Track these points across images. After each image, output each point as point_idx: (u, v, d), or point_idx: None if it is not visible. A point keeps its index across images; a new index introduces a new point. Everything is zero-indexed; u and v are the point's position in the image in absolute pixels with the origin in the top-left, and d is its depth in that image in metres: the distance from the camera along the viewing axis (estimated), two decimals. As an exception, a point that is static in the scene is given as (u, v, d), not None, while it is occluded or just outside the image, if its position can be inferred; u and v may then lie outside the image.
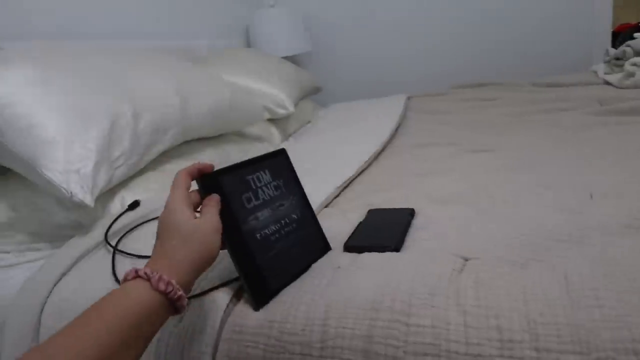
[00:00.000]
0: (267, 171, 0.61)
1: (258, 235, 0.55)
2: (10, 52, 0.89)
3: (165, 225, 0.50)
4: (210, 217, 0.50)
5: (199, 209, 0.54)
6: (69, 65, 0.89)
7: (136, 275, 0.45)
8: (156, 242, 0.50)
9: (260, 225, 0.56)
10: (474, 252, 0.56)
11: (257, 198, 0.57)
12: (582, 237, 0.56)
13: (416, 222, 0.70)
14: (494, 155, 1.01)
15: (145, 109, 0.91)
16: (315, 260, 0.61)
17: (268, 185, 0.60)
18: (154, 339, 0.56)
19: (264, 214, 0.57)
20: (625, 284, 0.44)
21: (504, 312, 0.44)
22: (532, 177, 0.82)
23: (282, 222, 0.59)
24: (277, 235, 0.57)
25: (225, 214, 0.52)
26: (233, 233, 0.53)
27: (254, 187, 0.58)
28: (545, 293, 0.45)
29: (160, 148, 0.95)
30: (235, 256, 0.53)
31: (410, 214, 0.72)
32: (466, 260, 0.55)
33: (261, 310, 0.53)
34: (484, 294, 0.47)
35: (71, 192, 0.71)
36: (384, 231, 0.67)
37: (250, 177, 0.58)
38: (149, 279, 0.44)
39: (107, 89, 0.88)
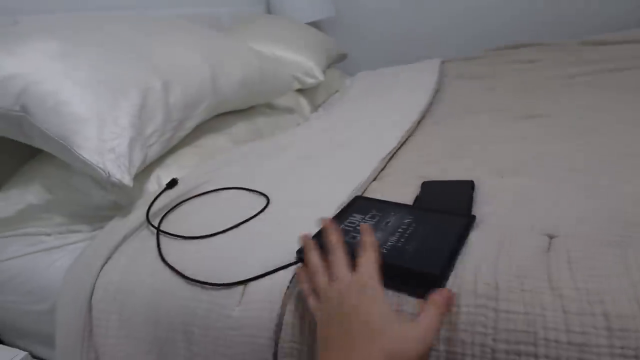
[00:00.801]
0: (354, 214, 0.61)
1: (384, 250, 0.51)
2: (28, 25, 0.85)
3: (344, 327, 0.37)
4: (425, 331, 0.37)
5: None
6: (91, 38, 0.84)
7: None
8: (324, 327, 0.39)
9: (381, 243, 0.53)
10: (559, 228, 0.51)
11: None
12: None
13: (478, 195, 0.65)
14: (551, 120, 0.94)
15: (175, 81, 0.87)
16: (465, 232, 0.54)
17: (363, 221, 0.59)
18: (208, 326, 0.53)
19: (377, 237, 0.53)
20: None
21: (609, 296, 0.40)
22: (600, 142, 0.75)
23: (399, 230, 0.55)
24: (402, 240, 0.53)
25: None
26: None
27: (352, 229, 0.57)
28: (653, 274, 0.40)
29: (192, 123, 0.91)
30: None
31: (471, 186, 0.67)
32: (551, 237, 0.50)
33: None
34: (582, 276, 0.42)
35: (108, 173, 0.68)
36: (446, 205, 0.62)
37: (343, 225, 0.59)
38: None
39: (133, 61, 0.84)
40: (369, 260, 0.42)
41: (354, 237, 0.54)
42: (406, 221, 0.57)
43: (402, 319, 0.39)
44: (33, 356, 0.77)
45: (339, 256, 0.45)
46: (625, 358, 0.36)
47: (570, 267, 0.43)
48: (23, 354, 0.68)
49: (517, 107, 1.07)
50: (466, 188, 0.66)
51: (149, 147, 0.77)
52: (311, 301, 0.46)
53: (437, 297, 0.39)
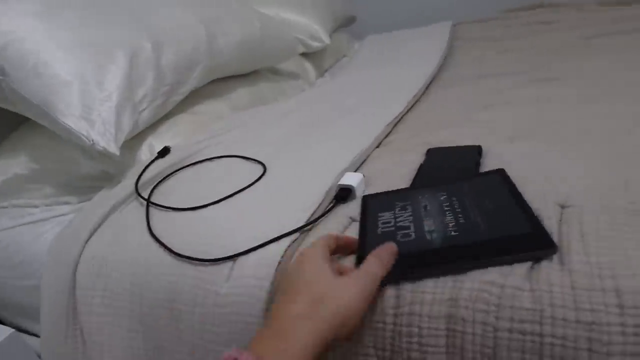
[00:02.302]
0: (381, 214, 0.54)
1: (455, 232, 0.46)
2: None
3: (289, 281, 0.40)
4: (363, 276, 0.39)
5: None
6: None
7: None
8: (273, 304, 0.40)
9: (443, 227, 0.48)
10: (571, 197, 0.47)
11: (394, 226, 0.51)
12: None
13: (486, 161, 0.62)
14: (564, 84, 0.89)
15: (167, 42, 0.83)
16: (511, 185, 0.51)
17: (397, 216, 0.52)
18: (191, 307, 0.52)
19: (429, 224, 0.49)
20: None
21: (622, 270, 0.37)
22: (615, 107, 0.70)
23: (447, 208, 0.50)
24: (462, 216, 0.48)
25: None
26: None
27: (393, 227, 0.50)
28: (674, 247, 0.37)
29: (188, 87, 0.88)
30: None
31: (477, 152, 0.64)
32: (562, 207, 0.46)
33: None
34: (594, 249, 0.39)
35: (93, 140, 0.66)
36: (451, 172, 0.59)
37: (380, 229, 0.51)
38: None
39: (120, 20, 0.80)
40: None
41: (406, 234, 0.47)
42: (443, 198, 0.52)
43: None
44: (23, 331, 0.78)
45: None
46: (639, 337, 0.34)
47: (583, 240, 0.40)
48: (9, 330, 0.67)
49: (530, 70, 1.02)
50: (473, 154, 0.63)
51: (139, 113, 0.75)
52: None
53: (379, 250, 0.42)
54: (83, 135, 0.65)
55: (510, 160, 0.60)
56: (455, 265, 0.41)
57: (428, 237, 0.46)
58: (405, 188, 0.59)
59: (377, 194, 0.59)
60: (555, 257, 0.39)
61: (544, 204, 0.47)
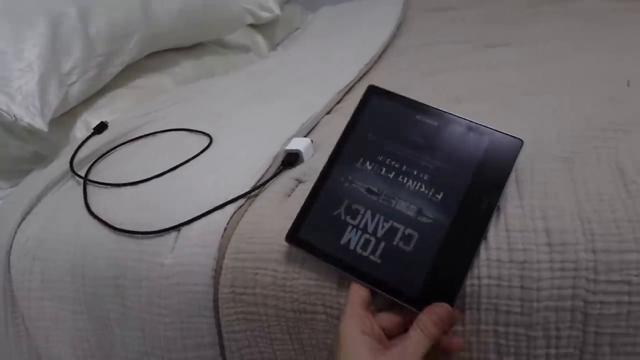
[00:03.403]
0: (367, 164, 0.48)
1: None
2: None
3: None
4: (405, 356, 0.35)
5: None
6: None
7: None
8: None
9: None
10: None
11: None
12: (628, 125, 0.51)
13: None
14: (514, 48, 0.95)
15: (96, 8, 0.81)
16: None
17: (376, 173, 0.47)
18: (141, 277, 0.52)
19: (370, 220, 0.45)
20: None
21: (552, 212, 0.40)
22: (559, 68, 0.76)
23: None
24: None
25: None
26: None
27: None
28: (598, 188, 0.41)
29: (124, 58, 0.86)
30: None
31: (425, 114, 0.66)
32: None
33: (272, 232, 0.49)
34: (528, 194, 0.43)
35: (15, 116, 0.63)
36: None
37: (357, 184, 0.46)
38: None
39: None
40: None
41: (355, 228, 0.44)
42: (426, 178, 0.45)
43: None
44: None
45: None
46: (565, 271, 0.37)
47: (518, 186, 0.44)
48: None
49: (480, 37, 1.08)
50: (421, 116, 0.65)
51: (69, 87, 0.73)
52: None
53: (426, 317, 0.36)
54: (3, 110, 0.63)
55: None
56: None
57: (368, 250, 0.42)
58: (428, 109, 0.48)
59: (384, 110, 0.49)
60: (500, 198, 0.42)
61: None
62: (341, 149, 0.47)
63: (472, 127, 0.46)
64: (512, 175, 0.46)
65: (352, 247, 0.42)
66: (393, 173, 0.45)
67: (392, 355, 0.35)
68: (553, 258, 0.38)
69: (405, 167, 0.45)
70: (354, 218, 0.44)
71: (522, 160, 0.47)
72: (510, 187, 0.44)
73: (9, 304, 0.60)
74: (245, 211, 0.54)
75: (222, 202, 0.54)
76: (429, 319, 0.36)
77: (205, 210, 0.53)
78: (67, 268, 0.57)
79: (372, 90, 0.50)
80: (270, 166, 0.60)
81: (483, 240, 0.40)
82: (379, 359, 0.35)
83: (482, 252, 0.40)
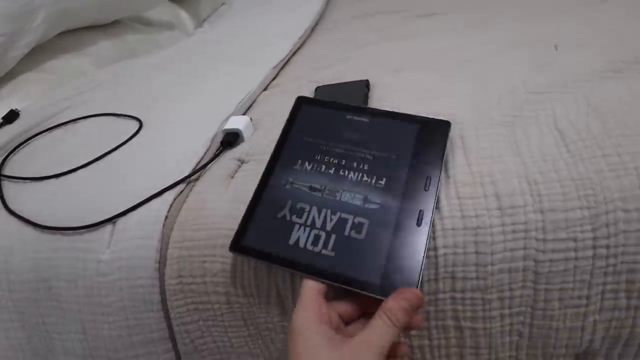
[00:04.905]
0: (305, 164, 0.45)
1: None
2: None
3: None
4: (364, 349, 0.31)
5: None
6: None
7: None
8: None
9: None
10: (453, 116, 0.49)
11: None
12: (561, 87, 0.51)
13: (374, 93, 0.63)
14: (446, 18, 0.94)
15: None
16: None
17: (317, 171, 0.44)
18: (76, 276, 0.46)
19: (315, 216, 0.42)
20: (624, 130, 0.41)
21: (500, 176, 0.39)
22: (489, 35, 0.75)
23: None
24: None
25: None
26: None
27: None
28: (541, 149, 0.41)
29: (31, 38, 0.74)
30: None
31: (365, 85, 0.64)
32: (446, 126, 0.48)
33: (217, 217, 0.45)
34: (476, 160, 0.41)
35: None
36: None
37: (297, 182, 0.44)
38: None
39: None
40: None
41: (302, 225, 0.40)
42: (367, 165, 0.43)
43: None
44: None
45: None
46: (516, 233, 0.37)
47: (465, 152, 0.43)
48: None
49: (413, 7, 1.06)
50: (361, 87, 0.63)
51: (-32, 72, 0.62)
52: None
53: (394, 304, 0.32)
54: None
55: (396, 90, 0.61)
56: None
57: (320, 245, 0.39)
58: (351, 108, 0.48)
59: (311, 113, 0.49)
60: (442, 171, 0.41)
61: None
62: (278, 155, 0.45)
63: (401, 117, 0.46)
64: (458, 143, 0.44)
65: (301, 245, 0.39)
66: (333, 169, 0.43)
67: (354, 345, 0.31)
68: (504, 221, 0.37)
69: (344, 161, 0.43)
70: (300, 217, 0.40)
71: (467, 127, 0.47)
72: (458, 154, 0.43)
73: None
74: (186, 197, 0.49)
75: (159, 189, 0.48)
76: (398, 306, 0.32)
77: (142, 200, 0.47)
78: (-12, 275, 0.49)
79: (302, 100, 0.50)
80: (209, 148, 0.55)
81: (436, 210, 0.39)
82: (339, 350, 0.31)
83: (437, 222, 0.38)
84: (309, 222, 0.40)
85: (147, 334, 0.47)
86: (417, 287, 0.34)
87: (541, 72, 0.55)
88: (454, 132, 0.46)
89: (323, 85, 0.67)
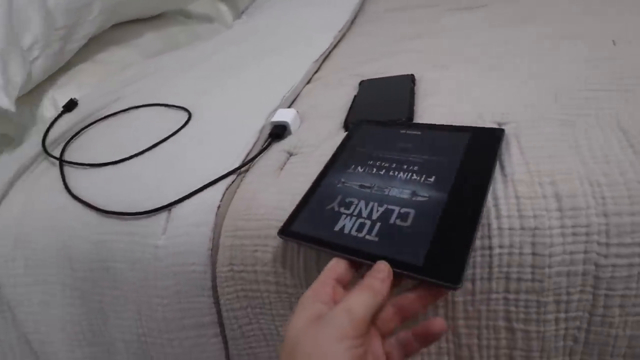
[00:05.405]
0: (357, 167, 0.46)
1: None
2: None
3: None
4: (339, 316, 0.30)
5: None
6: None
7: None
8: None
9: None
10: (507, 115, 0.48)
11: None
12: (622, 85, 0.49)
13: (420, 88, 0.61)
14: (489, 10, 0.90)
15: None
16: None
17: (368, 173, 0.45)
18: (133, 260, 0.48)
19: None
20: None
21: (560, 177, 0.38)
22: (540, 29, 0.72)
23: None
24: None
25: None
26: None
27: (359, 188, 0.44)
28: (603, 150, 0.39)
29: (87, 31, 0.76)
30: None
31: (411, 80, 0.62)
32: (499, 125, 0.47)
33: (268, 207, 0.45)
34: (533, 159, 0.40)
35: (-22, 96, 0.55)
36: (386, 102, 0.57)
37: (351, 183, 0.44)
38: None
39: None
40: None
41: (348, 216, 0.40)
42: (416, 166, 0.43)
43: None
44: None
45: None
46: (577, 236, 0.35)
47: (522, 152, 0.41)
48: None
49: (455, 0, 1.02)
50: (406, 82, 0.62)
51: (31, 63, 0.64)
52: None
53: (369, 275, 0.32)
54: (-37, 89, 0.55)
55: (444, 86, 0.59)
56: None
57: (364, 232, 0.38)
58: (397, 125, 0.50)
59: (367, 132, 0.50)
60: (498, 171, 0.40)
61: (482, 124, 0.47)
62: (333, 163, 0.47)
63: (453, 128, 0.46)
64: (514, 142, 0.43)
65: (346, 231, 0.38)
66: (384, 170, 0.43)
67: (333, 316, 0.29)
68: (564, 223, 0.36)
69: (395, 164, 0.44)
70: (347, 208, 0.40)
71: (522, 126, 0.45)
72: (514, 154, 0.41)
73: (-9, 294, 0.54)
74: (237, 187, 0.49)
75: (212, 179, 0.48)
76: (372, 276, 0.32)
77: (196, 189, 0.48)
78: (52, 253, 0.51)
79: (358, 123, 0.52)
80: (257, 140, 0.55)
81: (493, 209, 0.37)
82: (316, 324, 0.29)
83: (493, 221, 0.37)
84: (355, 213, 0.40)
85: (198, 318, 0.48)
86: (463, 273, 0.32)
87: (599, 68, 0.52)
88: (508, 132, 0.44)
89: (368, 79, 0.66)
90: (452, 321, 0.40)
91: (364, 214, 0.39)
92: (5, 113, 0.57)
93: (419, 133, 0.47)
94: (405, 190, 0.40)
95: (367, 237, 0.37)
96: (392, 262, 0.34)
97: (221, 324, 0.49)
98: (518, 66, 0.59)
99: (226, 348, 0.50)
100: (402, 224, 0.37)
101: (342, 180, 0.44)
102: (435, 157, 0.43)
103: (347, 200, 0.41)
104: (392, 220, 0.38)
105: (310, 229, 0.40)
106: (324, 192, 0.43)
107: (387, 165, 0.44)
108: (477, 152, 0.42)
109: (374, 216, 0.39)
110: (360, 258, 0.35)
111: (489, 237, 0.37)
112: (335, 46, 0.91)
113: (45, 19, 0.66)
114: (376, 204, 0.40)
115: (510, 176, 0.39)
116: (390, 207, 0.39)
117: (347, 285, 0.35)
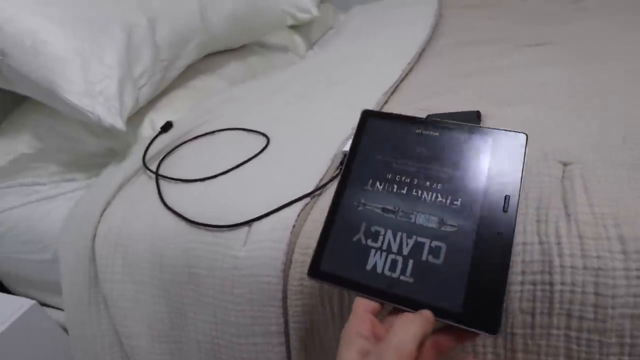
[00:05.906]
0: (376, 184, 0.45)
1: None
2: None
3: None
4: (385, 353, 0.31)
5: None
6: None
7: None
8: None
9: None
10: (572, 155, 0.48)
11: None
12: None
13: (485, 125, 0.62)
14: (555, 47, 0.89)
15: (162, 17, 0.81)
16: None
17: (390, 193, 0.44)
18: (215, 267, 0.53)
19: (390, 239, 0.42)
20: None
21: (624, 219, 0.38)
22: (608, 68, 0.71)
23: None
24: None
25: None
26: None
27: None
28: (672, 196, 0.39)
29: (183, 62, 0.86)
30: None
31: (476, 116, 0.64)
32: (565, 165, 0.47)
33: None
34: (598, 201, 0.40)
35: (99, 116, 0.64)
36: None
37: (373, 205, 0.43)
38: None
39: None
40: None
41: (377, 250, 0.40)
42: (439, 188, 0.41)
43: None
44: (41, 304, 0.78)
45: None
46: (642, 280, 0.35)
47: (587, 193, 0.42)
48: (31, 302, 0.68)
49: (520, 35, 1.02)
50: (472, 118, 0.63)
51: (139, 89, 0.73)
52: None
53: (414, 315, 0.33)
54: (88, 111, 0.64)
55: (509, 123, 0.60)
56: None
57: (397, 271, 0.38)
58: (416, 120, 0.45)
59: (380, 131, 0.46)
60: (562, 210, 0.41)
61: (546, 163, 0.47)
62: (348, 174, 0.44)
63: (473, 131, 0.42)
64: (579, 182, 0.44)
65: (379, 270, 0.38)
66: (406, 188, 0.41)
67: (379, 351, 0.31)
68: (629, 266, 0.36)
69: (416, 180, 0.41)
70: (375, 240, 0.39)
71: (588, 166, 0.45)
72: (579, 194, 0.42)
73: (92, 284, 0.61)
74: (311, 209, 0.53)
75: (288, 201, 0.53)
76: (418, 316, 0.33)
77: (274, 208, 0.52)
78: (146, 256, 0.58)
79: (367, 114, 0.47)
80: (329, 166, 0.59)
81: (556, 246, 0.38)
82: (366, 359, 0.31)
83: (555, 258, 0.38)
84: (384, 247, 0.39)
85: (267, 326, 0.51)
86: (501, 321, 0.33)
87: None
88: (574, 172, 0.45)
89: (434, 114, 0.68)
90: (511, 353, 0.41)
91: (394, 248, 0.38)
92: (118, 132, 0.66)
93: (437, 134, 0.43)
94: (432, 218, 0.39)
95: (402, 277, 0.37)
96: (432, 309, 0.34)
97: (287, 334, 0.52)
98: (585, 105, 0.59)
99: (289, 357, 0.53)
100: (435, 261, 0.37)
101: (362, 201, 0.41)
102: (458, 171, 0.40)
103: (373, 229, 0.40)
104: (424, 257, 0.37)
105: (341, 269, 0.39)
106: (346, 216, 0.41)
107: (407, 180, 0.41)
108: (501, 164, 0.39)
109: (405, 251, 0.38)
110: (401, 305, 0.36)
111: (550, 274, 0.38)
112: (403, 79, 0.94)
113: (153, 52, 0.76)
114: (405, 235, 0.39)
115: (573, 215, 0.40)
116: (420, 239, 0.38)
117: (378, 314, 0.36)
